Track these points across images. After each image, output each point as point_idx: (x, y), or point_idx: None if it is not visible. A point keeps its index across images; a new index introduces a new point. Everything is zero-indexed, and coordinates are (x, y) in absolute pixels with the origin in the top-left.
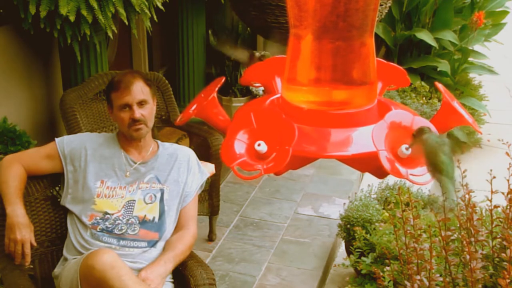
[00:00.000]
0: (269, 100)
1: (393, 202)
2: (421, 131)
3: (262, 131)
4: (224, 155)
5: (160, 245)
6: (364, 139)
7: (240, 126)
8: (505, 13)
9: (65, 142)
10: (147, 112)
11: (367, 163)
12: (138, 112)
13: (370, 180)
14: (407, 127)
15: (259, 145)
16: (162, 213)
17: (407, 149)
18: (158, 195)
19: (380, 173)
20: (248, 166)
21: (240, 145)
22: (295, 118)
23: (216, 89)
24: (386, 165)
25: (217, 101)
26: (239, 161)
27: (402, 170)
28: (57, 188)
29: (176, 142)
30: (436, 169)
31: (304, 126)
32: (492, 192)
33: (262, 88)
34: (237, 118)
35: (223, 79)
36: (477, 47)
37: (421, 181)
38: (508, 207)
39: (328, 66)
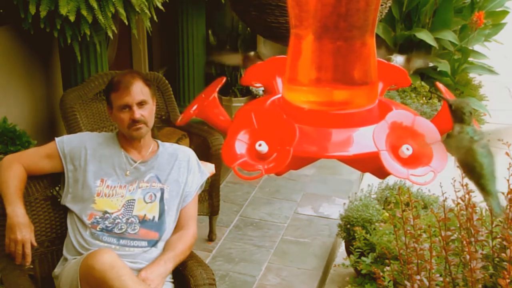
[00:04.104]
0: (270, 100)
1: (393, 202)
2: (458, 116)
3: (263, 131)
4: (225, 155)
5: (161, 245)
6: (365, 139)
7: (241, 126)
8: (505, 13)
9: (65, 142)
10: (147, 112)
11: (368, 164)
12: (138, 113)
13: (370, 180)
14: (408, 127)
15: (260, 145)
16: (162, 212)
17: (408, 149)
18: (158, 195)
19: (381, 173)
20: (249, 166)
21: (241, 145)
22: (296, 118)
23: (217, 89)
24: (387, 165)
25: (218, 101)
26: (240, 161)
27: (403, 170)
28: (57, 188)
29: (176, 142)
30: (473, 172)
31: (305, 126)
32: None
33: (262, 88)
34: (238, 118)
35: (224, 80)
36: (477, 47)
37: (422, 181)
38: (508, 207)
39: (329, 66)
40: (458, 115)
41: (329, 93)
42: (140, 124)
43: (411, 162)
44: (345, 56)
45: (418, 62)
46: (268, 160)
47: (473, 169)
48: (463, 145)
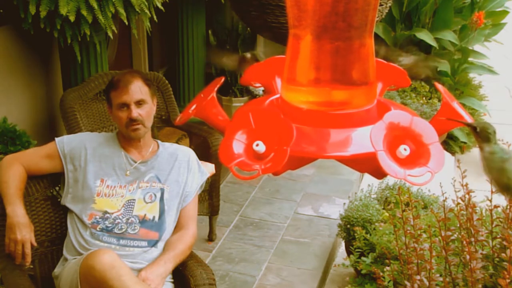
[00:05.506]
0: (269, 100)
1: (393, 202)
2: (484, 137)
3: (261, 131)
4: (222, 155)
5: (161, 245)
6: (363, 139)
7: (238, 126)
8: (505, 13)
9: (65, 142)
10: (145, 112)
11: (366, 164)
12: (135, 112)
13: (370, 180)
14: (405, 128)
15: (257, 145)
16: (162, 212)
17: (405, 149)
18: (158, 195)
19: (379, 173)
20: (246, 166)
21: (238, 145)
22: (294, 119)
23: (216, 89)
24: (384, 165)
25: (217, 101)
26: (237, 161)
27: (400, 170)
28: (57, 188)
29: (176, 142)
30: (508, 189)
31: (303, 126)
32: (492, 192)
33: (262, 88)
34: (235, 118)
35: (223, 79)
36: (477, 47)
37: (419, 181)
38: (508, 207)
39: (327, 66)
40: (485, 135)
41: (327, 93)
42: (137, 125)
43: (408, 162)
44: (344, 56)
45: (423, 69)
46: (265, 160)
47: (508, 186)
48: (496, 165)
